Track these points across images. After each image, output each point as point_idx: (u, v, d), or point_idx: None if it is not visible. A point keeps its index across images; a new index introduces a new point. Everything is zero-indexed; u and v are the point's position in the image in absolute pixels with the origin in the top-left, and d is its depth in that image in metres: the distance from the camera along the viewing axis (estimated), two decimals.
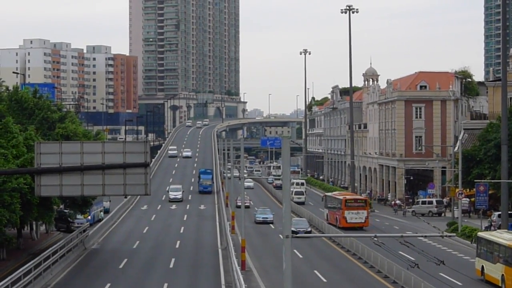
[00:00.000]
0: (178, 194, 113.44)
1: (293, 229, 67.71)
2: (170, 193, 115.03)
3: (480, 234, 67.59)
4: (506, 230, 73.91)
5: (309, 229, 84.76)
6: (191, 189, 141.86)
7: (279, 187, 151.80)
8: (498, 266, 58.19)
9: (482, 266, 61.86)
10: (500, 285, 57.10)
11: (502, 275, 56.84)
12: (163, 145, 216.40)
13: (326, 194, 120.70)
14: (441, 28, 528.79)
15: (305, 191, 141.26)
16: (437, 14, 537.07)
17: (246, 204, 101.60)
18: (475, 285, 61.27)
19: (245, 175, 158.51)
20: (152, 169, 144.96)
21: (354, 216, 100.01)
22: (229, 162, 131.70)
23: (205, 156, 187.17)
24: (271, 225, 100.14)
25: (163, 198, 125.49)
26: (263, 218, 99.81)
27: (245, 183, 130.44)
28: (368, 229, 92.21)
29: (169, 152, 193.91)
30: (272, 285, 58.79)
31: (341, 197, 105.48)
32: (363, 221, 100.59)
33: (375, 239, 76.33)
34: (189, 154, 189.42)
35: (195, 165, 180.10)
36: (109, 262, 70.17)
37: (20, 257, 66.92)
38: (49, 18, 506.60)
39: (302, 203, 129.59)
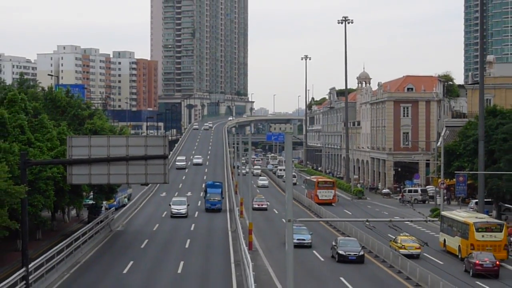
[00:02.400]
0: (182, 209, 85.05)
1: (341, 252, 56.80)
2: (172, 207, 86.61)
3: (443, 213, 74.09)
4: (464, 210, 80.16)
5: (362, 253, 56.82)
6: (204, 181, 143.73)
7: (280, 176, 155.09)
8: (456, 239, 65.04)
9: (444, 239, 68.99)
10: (457, 254, 63.75)
11: (459, 245, 63.80)
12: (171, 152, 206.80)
13: (306, 178, 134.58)
14: (427, 37, 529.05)
15: (296, 179, 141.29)
16: (424, 25, 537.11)
17: (263, 206, 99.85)
18: (439, 255, 65.27)
19: (258, 170, 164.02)
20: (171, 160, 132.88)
21: (324, 194, 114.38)
22: (239, 154, 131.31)
23: (216, 162, 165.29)
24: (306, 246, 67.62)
25: (180, 186, 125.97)
26: (298, 240, 62.90)
27: (259, 182, 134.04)
28: (360, 215, 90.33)
29: (176, 163, 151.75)
30: (275, 263, 58.70)
31: (314, 180, 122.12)
32: (331, 198, 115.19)
33: (367, 223, 76.94)
34: (199, 161, 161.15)
35: (207, 163, 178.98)
36: (132, 242, 70.34)
37: (53, 238, 67.17)
38: (80, 26, 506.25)
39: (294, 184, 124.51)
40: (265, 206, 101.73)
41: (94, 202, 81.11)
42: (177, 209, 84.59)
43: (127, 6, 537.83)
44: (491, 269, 53.92)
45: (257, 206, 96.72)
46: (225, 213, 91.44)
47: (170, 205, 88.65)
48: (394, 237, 66.53)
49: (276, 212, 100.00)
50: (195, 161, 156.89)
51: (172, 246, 68.42)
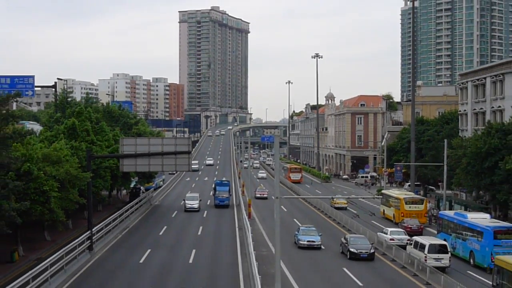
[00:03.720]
0: (195, 203, 72.27)
1: (353, 250, 44.30)
2: (186, 202, 73.02)
3: (383, 191, 75.92)
4: (398, 189, 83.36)
5: (372, 251, 44.45)
6: (216, 172, 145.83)
7: (268, 165, 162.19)
8: (391, 209, 66.99)
9: (384, 210, 70.67)
10: (392, 219, 65.77)
11: (393, 214, 66.02)
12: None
13: (284, 166, 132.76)
14: (375, 68, 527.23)
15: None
16: (372, 59, 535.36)
17: (264, 195, 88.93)
18: (381, 220, 67.47)
19: (257, 164, 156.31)
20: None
21: (295, 176, 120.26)
22: (242, 151, 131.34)
23: (225, 162, 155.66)
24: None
25: (200, 173, 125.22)
26: (308, 241, 48.60)
27: (259, 174, 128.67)
28: (327, 193, 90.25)
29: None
30: (267, 227, 59.05)
31: (288, 166, 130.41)
32: (299, 179, 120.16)
33: (332, 200, 76.92)
34: (211, 162, 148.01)
35: (218, 160, 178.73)
36: (165, 213, 70.42)
37: (110, 210, 67.30)
38: (129, 59, 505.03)
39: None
40: (266, 195, 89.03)
41: (135, 186, 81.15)
42: (191, 204, 71.61)
43: (163, 45, 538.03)
44: (417, 230, 55.61)
45: (259, 195, 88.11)
46: (232, 196, 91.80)
47: (184, 200, 74.01)
48: (335, 200, 75.32)
49: (273, 197, 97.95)
50: (207, 162, 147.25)
51: (194, 215, 68.50)
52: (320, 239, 49.45)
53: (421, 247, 42.77)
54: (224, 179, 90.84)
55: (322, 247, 49.43)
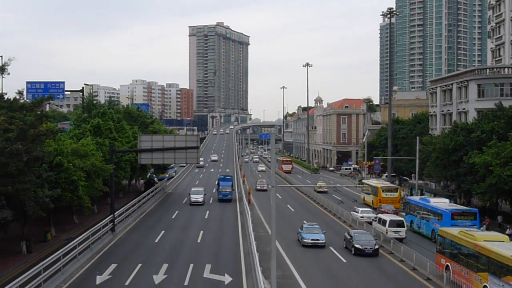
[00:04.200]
0: (200, 197, 65.22)
1: (358, 246, 39.01)
2: (191, 196, 65.91)
3: (363, 180, 76.97)
4: (376, 179, 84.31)
5: (377, 247, 39.51)
6: (222, 157, 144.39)
7: (264, 157, 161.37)
8: (371, 196, 66.88)
9: (364, 197, 70.66)
10: (371, 205, 65.07)
11: (372, 200, 65.78)
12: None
13: (277, 158, 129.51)
14: (357, 75, 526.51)
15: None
16: (355, 67, 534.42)
17: (264, 187, 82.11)
18: (362, 205, 65.34)
19: (256, 158, 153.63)
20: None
21: (286, 167, 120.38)
22: (244, 148, 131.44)
23: (228, 157, 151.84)
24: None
25: (207, 165, 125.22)
26: (313, 240, 41.94)
27: (258, 168, 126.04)
28: (315, 182, 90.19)
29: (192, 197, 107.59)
30: (265, 212, 58.97)
31: (280, 159, 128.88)
32: (290, 169, 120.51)
33: (319, 188, 76.80)
34: (216, 158, 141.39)
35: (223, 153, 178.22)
36: (177, 199, 70.42)
37: (130, 196, 67.32)
38: (146, 67, 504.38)
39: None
40: (266, 187, 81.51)
41: (150, 177, 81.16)
42: (196, 198, 65.02)
43: (175, 55, 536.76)
44: (392, 214, 54.75)
45: (259, 187, 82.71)
46: (234, 181, 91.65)
47: (189, 194, 67.15)
48: (318, 185, 77.76)
49: (270, 187, 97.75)
50: (212, 158, 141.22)
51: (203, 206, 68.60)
52: (324, 237, 42.10)
53: (383, 222, 46.16)
54: (227, 171, 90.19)
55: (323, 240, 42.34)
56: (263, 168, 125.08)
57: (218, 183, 72.40)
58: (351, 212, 55.72)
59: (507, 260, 27.15)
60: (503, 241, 30.95)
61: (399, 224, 45.59)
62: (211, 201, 68.30)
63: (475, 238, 30.99)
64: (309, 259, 38.68)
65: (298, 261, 37.90)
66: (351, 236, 40.62)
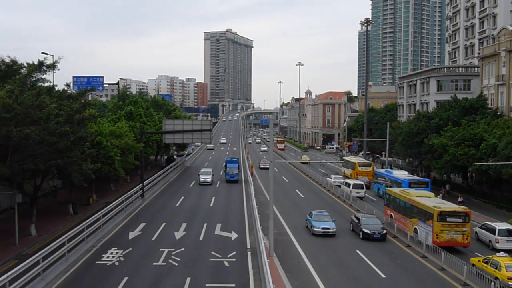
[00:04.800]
0: (208, 178, 58.00)
1: (366, 230, 32.45)
2: (200, 176, 58.45)
3: (344, 157, 74.91)
4: (354, 156, 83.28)
5: (385, 232, 32.77)
6: (230, 138, 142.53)
7: (263, 138, 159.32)
8: (349, 170, 65.96)
9: (344, 170, 69.69)
10: (349, 176, 64.13)
11: (350, 173, 64.87)
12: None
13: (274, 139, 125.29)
14: (341, 72, 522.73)
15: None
16: (339, 66, 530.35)
17: (266, 166, 73.62)
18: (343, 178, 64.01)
19: (258, 140, 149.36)
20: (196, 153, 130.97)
21: (280, 145, 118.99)
22: (248, 131, 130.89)
23: (235, 139, 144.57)
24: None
25: (218, 144, 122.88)
26: (323, 228, 33.49)
27: (261, 148, 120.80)
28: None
29: (207, 146, 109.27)
30: (264, 183, 58.66)
31: (275, 139, 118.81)
32: (283, 147, 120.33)
33: (308, 164, 76.31)
34: (224, 141, 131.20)
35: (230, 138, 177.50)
36: (194, 172, 69.91)
37: (156, 170, 67.22)
38: (170, 65, 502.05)
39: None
40: (268, 166, 56.91)
41: (171, 155, 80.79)
42: (204, 178, 57.38)
43: (192, 55, 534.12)
44: (366, 184, 54.54)
45: (263, 166, 75.95)
46: (240, 155, 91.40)
47: (198, 174, 59.26)
48: (303, 157, 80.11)
49: (269, 162, 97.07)
50: (221, 141, 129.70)
51: (216, 170, 67.80)
52: (335, 225, 34.00)
53: (348, 185, 50.31)
54: (234, 149, 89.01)
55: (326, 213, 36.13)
56: (265, 149, 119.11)
57: (226, 165, 63.07)
58: (327, 178, 59.97)
59: (429, 209, 30.72)
60: (429, 197, 34.80)
61: (360, 187, 49.69)
62: (221, 173, 67.92)
63: (409, 195, 35.00)
64: (296, 213, 38.92)
65: (290, 220, 38.00)
66: (358, 220, 34.09)
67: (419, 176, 56.74)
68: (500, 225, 32.60)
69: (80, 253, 27.09)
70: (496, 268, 24.14)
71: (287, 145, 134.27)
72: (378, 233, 32.55)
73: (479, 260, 25.93)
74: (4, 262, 26.14)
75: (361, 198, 47.86)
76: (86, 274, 24.12)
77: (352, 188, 49.27)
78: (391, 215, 37.26)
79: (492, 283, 21.99)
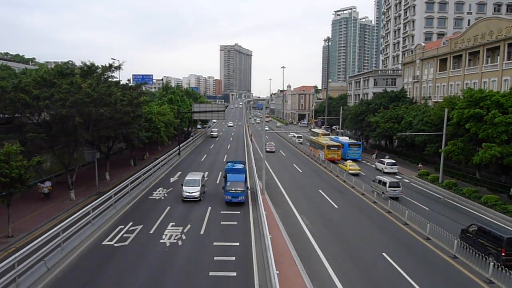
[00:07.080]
0: (194, 191, 23.95)
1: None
2: (184, 188, 24.31)
3: (312, 129, 72.20)
4: (318, 128, 79.05)
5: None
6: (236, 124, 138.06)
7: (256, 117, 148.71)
8: (315, 138, 56.29)
9: (311, 138, 58.66)
10: (316, 141, 54.32)
11: (320, 152, 54.43)
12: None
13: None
14: (311, 72, 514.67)
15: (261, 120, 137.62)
16: (310, 69, 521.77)
17: (272, 150, 51.47)
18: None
19: (258, 120, 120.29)
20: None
21: (266, 120, 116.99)
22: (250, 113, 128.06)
23: (240, 120, 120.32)
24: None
25: (227, 121, 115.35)
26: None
27: (265, 128, 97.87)
28: (286, 129, 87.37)
29: (211, 133, 73.30)
30: (260, 147, 57.53)
31: (266, 118, 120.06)
32: (268, 120, 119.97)
33: (294, 136, 72.03)
34: (231, 124, 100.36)
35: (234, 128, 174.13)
36: (212, 139, 69.05)
37: (187, 137, 66.06)
38: (196, 66, 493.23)
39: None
40: (274, 149, 51.55)
41: (188, 131, 75.17)
42: (189, 192, 24.54)
43: (212, 61, 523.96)
44: (336, 159, 44.00)
45: (268, 150, 51.20)
46: (243, 129, 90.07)
47: (182, 185, 25.98)
48: (290, 134, 70.48)
49: (263, 132, 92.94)
50: (229, 124, 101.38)
51: (227, 140, 66.40)
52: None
53: (297, 138, 55.84)
54: (240, 123, 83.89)
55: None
56: (266, 128, 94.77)
57: (225, 176, 25.60)
58: (291, 137, 62.86)
59: (323, 144, 43.60)
60: (328, 139, 46.79)
61: (299, 137, 55.47)
62: (231, 139, 65.70)
63: (318, 138, 47.06)
64: (279, 164, 38.76)
65: (274, 167, 37.90)
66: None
67: (362, 144, 56.15)
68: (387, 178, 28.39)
69: (138, 191, 27.23)
70: (346, 166, 37.55)
71: (275, 121, 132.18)
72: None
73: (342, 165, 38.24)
74: (88, 197, 26.38)
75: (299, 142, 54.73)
76: (143, 204, 24.49)
77: (297, 138, 55.17)
78: (310, 149, 49.31)
79: (344, 173, 34.00)
